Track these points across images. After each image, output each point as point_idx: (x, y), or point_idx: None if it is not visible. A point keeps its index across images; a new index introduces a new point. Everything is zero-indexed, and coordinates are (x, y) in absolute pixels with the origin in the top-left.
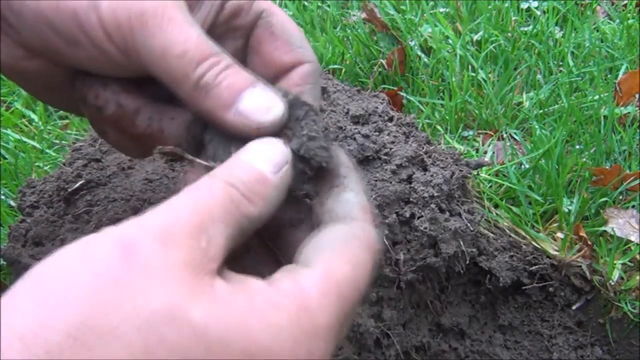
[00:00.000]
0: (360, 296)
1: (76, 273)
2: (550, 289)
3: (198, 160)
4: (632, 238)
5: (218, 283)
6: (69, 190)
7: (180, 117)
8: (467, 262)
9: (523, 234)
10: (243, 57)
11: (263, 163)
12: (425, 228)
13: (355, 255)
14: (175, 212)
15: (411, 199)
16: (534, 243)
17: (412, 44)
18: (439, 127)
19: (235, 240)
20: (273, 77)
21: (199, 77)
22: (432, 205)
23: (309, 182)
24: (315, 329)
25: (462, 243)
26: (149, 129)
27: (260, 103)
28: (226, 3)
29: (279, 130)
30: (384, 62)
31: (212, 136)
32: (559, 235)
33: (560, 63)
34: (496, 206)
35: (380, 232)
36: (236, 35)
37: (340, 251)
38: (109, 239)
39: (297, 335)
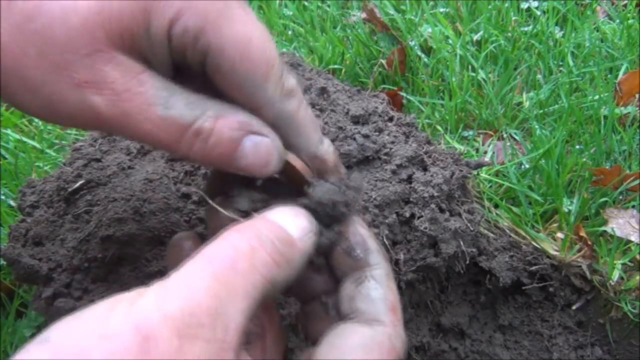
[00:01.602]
0: None
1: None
2: (550, 289)
3: (223, 211)
4: (632, 238)
5: None
6: (69, 190)
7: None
8: (467, 262)
9: (523, 234)
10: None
11: (291, 226)
12: (425, 228)
13: None
14: (193, 296)
15: (411, 199)
16: (534, 243)
17: (412, 44)
18: (439, 127)
19: (255, 309)
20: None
21: (186, 153)
22: (432, 205)
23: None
24: None
25: (462, 243)
26: None
27: (258, 159)
28: (172, 44)
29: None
30: (384, 62)
31: (239, 189)
32: (559, 235)
33: (560, 63)
34: (496, 206)
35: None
36: (195, 71)
37: None
38: (130, 325)
39: None
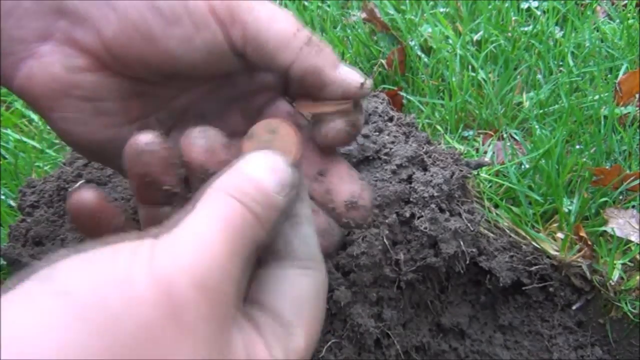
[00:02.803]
0: None
1: (118, 315)
2: (551, 289)
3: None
4: (632, 238)
5: (234, 340)
6: (69, 190)
7: None
8: (467, 262)
9: (523, 234)
10: None
11: (272, 183)
12: (425, 228)
13: (320, 312)
14: (207, 251)
15: (411, 199)
16: (534, 243)
17: (412, 44)
18: (439, 127)
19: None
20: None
21: (309, 36)
22: (432, 205)
23: None
24: None
25: (462, 243)
26: None
27: (353, 71)
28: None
29: None
30: (384, 62)
31: None
32: (559, 235)
33: (560, 63)
34: (496, 206)
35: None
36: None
37: (314, 312)
38: (149, 278)
39: None
